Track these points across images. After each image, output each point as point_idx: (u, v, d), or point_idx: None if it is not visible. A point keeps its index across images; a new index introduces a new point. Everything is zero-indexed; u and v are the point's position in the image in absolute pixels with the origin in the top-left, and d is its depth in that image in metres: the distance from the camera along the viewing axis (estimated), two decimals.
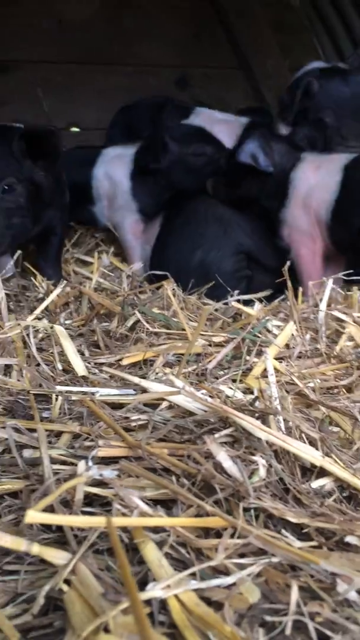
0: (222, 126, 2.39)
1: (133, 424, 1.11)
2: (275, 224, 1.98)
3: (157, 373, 1.35)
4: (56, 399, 1.22)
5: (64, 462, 1.02)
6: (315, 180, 1.90)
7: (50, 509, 0.83)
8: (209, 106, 2.69)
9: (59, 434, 1.13)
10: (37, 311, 1.51)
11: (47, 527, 0.86)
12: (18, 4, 3.01)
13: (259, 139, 1.95)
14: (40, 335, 1.51)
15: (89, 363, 1.41)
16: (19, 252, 1.76)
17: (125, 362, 1.39)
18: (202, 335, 1.51)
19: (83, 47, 3.09)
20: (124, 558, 0.62)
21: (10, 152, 1.74)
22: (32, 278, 1.87)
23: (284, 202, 1.94)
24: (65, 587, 0.72)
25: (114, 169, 2.32)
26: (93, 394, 1.21)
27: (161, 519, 0.73)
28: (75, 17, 3.06)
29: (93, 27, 3.07)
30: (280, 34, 3.12)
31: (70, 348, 1.30)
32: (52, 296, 1.60)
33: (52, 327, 1.34)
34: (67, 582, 0.73)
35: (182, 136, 2.21)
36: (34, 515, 0.70)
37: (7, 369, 1.36)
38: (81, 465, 0.85)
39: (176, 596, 0.67)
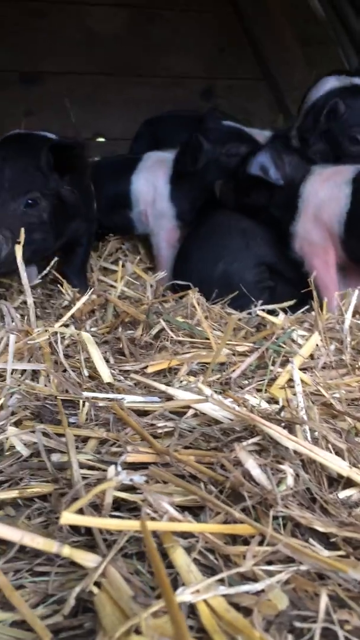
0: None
1: (159, 431, 1.12)
2: (286, 236, 1.99)
3: (181, 381, 1.37)
4: (83, 405, 1.24)
5: (91, 467, 1.03)
6: (325, 193, 1.90)
7: (79, 513, 0.85)
8: (234, 117, 2.71)
9: (85, 439, 1.15)
10: (65, 318, 1.54)
11: (76, 531, 0.87)
12: (48, 16, 3.08)
13: (270, 151, 1.95)
14: (66, 342, 1.53)
15: (114, 370, 1.42)
16: (55, 258, 1.75)
17: (150, 369, 1.41)
18: (226, 344, 1.52)
19: (110, 58, 3.14)
20: (159, 561, 0.63)
21: (38, 165, 1.71)
22: (59, 285, 1.90)
23: (294, 216, 1.95)
24: (95, 590, 0.73)
25: (154, 174, 2.34)
26: (119, 400, 1.22)
27: (192, 525, 0.75)
28: (103, 30, 3.12)
29: (121, 39, 3.12)
30: (306, 46, 3.14)
31: (96, 355, 1.32)
32: (79, 304, 1.63)
33: (79, 334, 1.36)
34: (97, 584, 0.74)
35: (216, 136, 2.22)
36: (69, 517, 0.72)
37: (35, 374, 1.39)
38: (111, 470, 0.87)
39: (205, 601, 0.67)
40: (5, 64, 3.01)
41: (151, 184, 2.34)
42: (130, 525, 0.73)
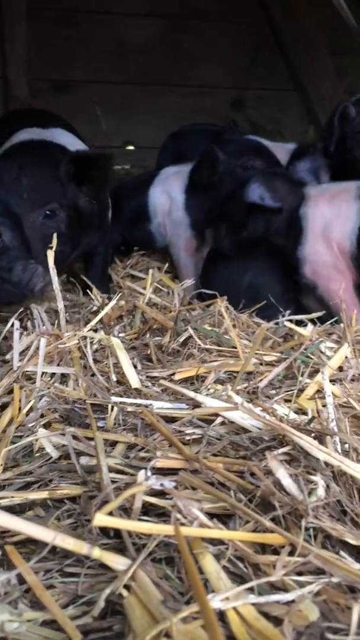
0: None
1: (187, 437, 1.12)
2: (293, 263, 1.93)
3: (208, 389, 1.37)
4: (111, 410, 1.25)
5: (119, 471, 1.04)
6: (332, 212, 1.86)
7: (109, 516, 0.86)
8: (264, 127, 2.73)
9: (113, 444, 1.16)
10: (93, 322, 1.55)
11: (105, 533, 0.88)
12: (80, 26, 3.13)
13: (261, 178, 1.92)
14: (94, 347, 1.55)
15: (141, 376, 1.43)
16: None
17: (177, 376, 1.41)
18: (254, 353, 1.52)
19: (142, 68, 3.18)
20: (193, 566, 0.63)
21: (57, 176, 1.70)
22: (88, 291, 1.92)
23: (299, 240, 1.89)
24: (124, 592, 0.74)
25: (170, 185, 2.38)
26: (147, 406, 1.23)
27: (223, 532, 0.75)
28: (135, 39, 3.16)
29: (152, 49, 3.16)
30: (336, 57, 3.14)
31: (125, 360, 1.33)
32: (107, 308, 1.64)
33: (108, 339, 1.38)
34: (126, 587, 0.75)
35: (232, 149, 2.24)
36: (101, 519, 0.72)
37: (64, 377, 1.41)
38: (141, 474, 0.87)
39: (235, 609, 0.68)
40: (38, 73, 3.06)
41: (167, 195, 2.39)
42: (161, 529, 0.74)
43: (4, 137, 2.02)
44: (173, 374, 1.42)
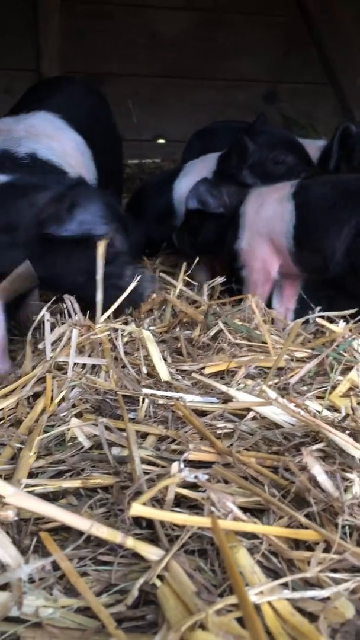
0: None
1: (218, 431, 1.12)
2: (232, 257, 1.99)
3: (238, 383, 1.36)
4: (142, 402, 1.25)
5: (150, 463, 1.05)
6: (268, 211, 1.93)
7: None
8: (296, 121, 2.70)
9: (144, 435, 1.16)
10: (109, 312, 1.53)
11: (137, 524, 0.89)
12: (114, 19, 3.13)
13: (204, 184, 2.01)
14: (125, 339, 1.55)
15: (171, 369, 1.44)
16: None
17: (208, 370, 1.41)
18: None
19: (174, 61, 3.17)
20: (231, 559, 0.63)
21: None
22: None
23: (237, 234, 1.96)
24: (158, 583, 0.74)
25: (197, 173, 2.35)
26: (177, 399, 1.23)
27: (258, 526, 0.75)
28: (168, 33, 3.15)
29: (185, 42, 3.15)
30: None
31: (155, 353, 1.33)
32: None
33: (139, 331, 1.38)
34: (159, 577, 0.75)
35: (264, 141, 2.21)
36: (138, 509, 0.73)
37: (94, 368, 1.42)
38: (174, 466, 0.88)
39: (270, 603, 0.67)
40: (71, 66, 3.08)
41: (192, 182, 2.34)
42: (197, 521, 0.74)
43: None
44: (203, 368, 1.42)
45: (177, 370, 1.45)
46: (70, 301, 1.41)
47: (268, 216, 1.91)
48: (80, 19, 3.10)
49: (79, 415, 1.24)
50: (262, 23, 3.13)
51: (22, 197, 1.50)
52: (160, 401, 1.26)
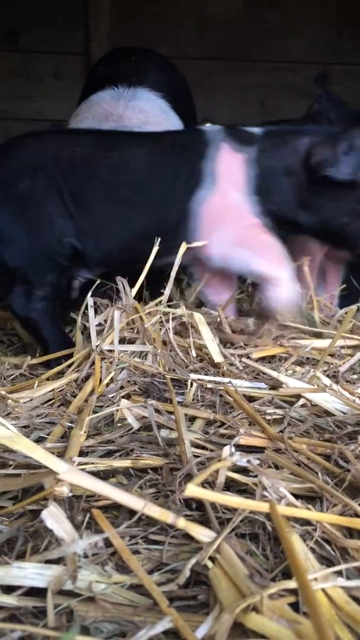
0: None
1: (267, 417, 1.12)
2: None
3: (286, 369, 1.35)
4: (191, 385, 1.25)
5: (198, 446, 1.05)
6: None
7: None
8: (348, 105, 2.62)
9: (192, 419, 1.17)
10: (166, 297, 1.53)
11: (187, 505, 0.89)
12: (162, 2, 3.10)
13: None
14: (173, 323, 1.55)
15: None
16: None
17: (256, 355, 1.40)
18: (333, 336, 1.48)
19: (223, 44, 3.12)
20: (290, 543, 0.63)
21: None
22: None
23: None
24: (209, 564, 0.74)
25: None
26: (226, 384, 1.23)
27: (312, 513, 0.74)
28: (217, 15, 3.09)
29: (234, 24, 3.09)
30: None
31: (207, 335, 1.33)
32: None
33: (191, 314, 1.38)
34: (210, 559, 0.75)
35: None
36: (193, 490, 0.73)
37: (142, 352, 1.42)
38: (226, 450, 0.87)
39: (324, 590, 0.67)
40: None
41: None
42: (253, 505, 0.74)
43: None
44: (252, 352, 1.41)
45: (224, 355, 1.45)
46: (122, 283, 1.41)
47: None
48: (130, 2, 3.08)
49: (127, 397, 1.25)
50: (314, 3, 3.04)
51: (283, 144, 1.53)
52: (209, 385, 1.26)
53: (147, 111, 1.70)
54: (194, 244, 1.47)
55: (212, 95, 3.15)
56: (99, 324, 1.40)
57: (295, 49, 3.11)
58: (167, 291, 1.39)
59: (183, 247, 1.43)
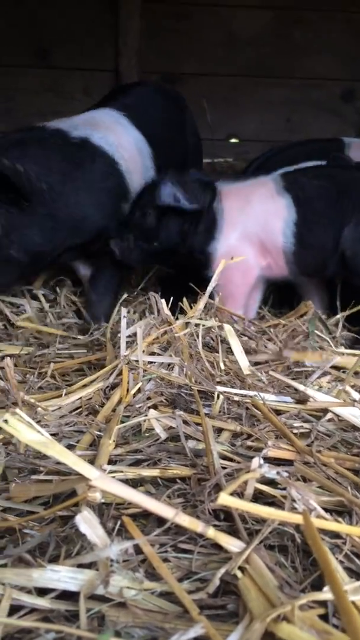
0: None
1: (294, 430, 1.12)
2: (202, 260, 1.79)
3: (312, 383, 1.36)
4: (217, 397, 1.27)
5: (225, 457, 1.06)
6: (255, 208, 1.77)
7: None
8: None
9: (218, 430, 1.18)
10: (199, 311, 1.56)
11: (215, 515, 0.90)
12: (192, 18, 3.15)
13: (172, 179, 1.76)
14: (203, 333, 1.56)
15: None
16: None
17: (280, 367, 1.41)
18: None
19: (250, 60, 3.16)
20: (325, 554, 0.64)
21: None
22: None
23: (213, 235, 1.78)
24: (239, 574, 0.75)
25: None
26: (253, 397, 1.24)
27: (344, 526, 0.75)
28: (244, 31, 3.14)
29: (261, 41, 3.13)
30: None
31: (237, 347, 1.34)
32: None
33: (221, 326, 1.40)
34: (239, 569, 0.76)
35: None
36: (226, 499, 0.74)
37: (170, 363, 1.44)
38: (255, 461, 0.88)
39: (353, 602, 0.67)
40: (150, 66, 3.12)
41: None
42: (285, 516, 0.74)
43: None
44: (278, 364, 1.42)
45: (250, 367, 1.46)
46: (154, 297, 1.44)
47: (258, 213, 1.76)
48: (159, 19, 3.14)
49: (153, 408, 1.27)
50: (341, 20, 3.07)
51: None
52: (235, 398, 1.27)
53: (96, 118, 1.93)
54: (232, 261, 1.50)
55: (237, 111, 3.19)
56: (129, 335, 1.42)
57: (322, 66, 3.14)
58: (201, 305, 1.40)
59: (222, 265, 1.45)
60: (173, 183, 1.76)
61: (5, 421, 0.84)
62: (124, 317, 1.47)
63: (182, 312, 1.58)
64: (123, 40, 3.06)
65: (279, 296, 2.02)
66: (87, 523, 0.76)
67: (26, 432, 0.83)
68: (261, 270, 1.79)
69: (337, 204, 1.72)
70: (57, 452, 0.82)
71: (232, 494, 0.90)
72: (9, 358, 1.27)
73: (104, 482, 0.80)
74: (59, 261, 1.83)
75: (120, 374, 1.35)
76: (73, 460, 0.80)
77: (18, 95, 3.14)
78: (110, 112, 1.98)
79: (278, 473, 0.84)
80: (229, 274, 1.66)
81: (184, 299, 1.60)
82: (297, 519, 0.72)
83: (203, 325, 1.42)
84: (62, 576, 0.75)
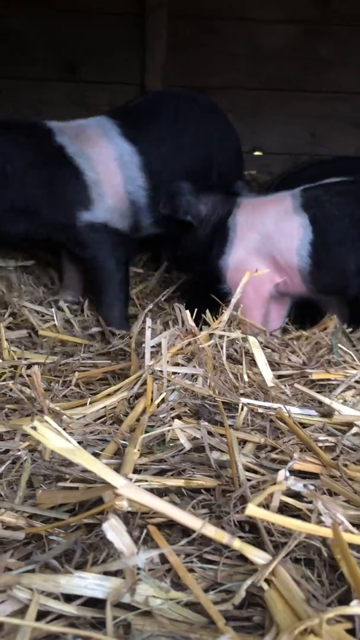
0: None
1: (319, 444, 1.12)
2: (215, 273, 1.81)
3: (336, 397, 1.35)
4: (241, 409, 1.27)
5: (249, 469, 1.06)
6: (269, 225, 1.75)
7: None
8: None
9: (242, 442, 1.18)
10: (223, 323, 1.56)
11: (240, 527, 0.90)
12: (218, 33, 3.19)
13: (184, 189, 1.80)
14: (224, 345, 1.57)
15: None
16: None
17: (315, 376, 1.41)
18: None
19: (275, 74, 3.18)
20: (356, 568, 0.64)
21: None
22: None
23: (224, 249, 1.79)
24: (265, 586, 0.75)
25: None
26: (277, 409, 1.24)
27: None
28: (270, 45, 3.16)
29: (287, 54, 3.14)
30: None
31: (261, 359, 1.35)
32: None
33: (245, 338, 1.40)
34: (265, 581, 0.76)
35: None
36: (254, 510, 0.74)
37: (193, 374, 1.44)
38: (281, 474, 0.89)
39: None
40: (176, 79, 3.16)
41: None
42: (314, 529, 0.74)
43: None
44: (304, 377, 1.42)
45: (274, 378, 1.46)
46: (179, 309, 1.45)
47: (273, 231, 1.74)
48: (186, 33, 3.18)
49: (177, 418, 1.27)
50: None
51: None
52: (259, 410, 1.27)
53: (83, 125, 2.03)
54: (256, 274, 1.51)
55: (262, 124, 3.21)
56: (153, 346, 1.43)
57: (347, 80, 3.14)
58: (226, 316, 1.41)
59: (247, 276, 1.46)
60: (180, 194, 1.80)
61: (34, 428, 0.86)
62: (149, 327, 1.48)
63: (205, 323, 1.59)
64: (149, 55, 3.11)
65: (301, 310, 2.01)
66: (115, 531, 0.76)
67: (54, 439, 0.84)
68: (277, 286, 1.77)
69: None
70: (85, 459, 0.83)
71: (258, 506, 0.91)
72: (36, 366, 1.29)
73: (131, 491, 0.81)
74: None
75: (144, 383, 1.36)
76: (100, 469, 0.81)
77: (45, 108, 3.19)
78: (103, 121, 2.05)
79: (305, 486, 0.84)
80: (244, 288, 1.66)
81: (207, 311, 1.62)
82: (327, 532, 0.72)
83: (227, 337, 1.42)
84: (89, 583, 0.75)
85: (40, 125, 1.97)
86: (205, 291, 1.83)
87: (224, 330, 1.52)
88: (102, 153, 1.95)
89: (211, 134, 2.36)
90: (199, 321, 1.61)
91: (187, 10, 3.09)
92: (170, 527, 0.94)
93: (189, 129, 2.24)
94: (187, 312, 1.45)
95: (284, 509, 0.93)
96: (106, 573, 0.78)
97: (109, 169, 1.94)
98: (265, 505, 0.90)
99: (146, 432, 1.21)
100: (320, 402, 1.31)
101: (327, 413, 1.26)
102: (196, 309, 1.57)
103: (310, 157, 3.16)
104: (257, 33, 3.17)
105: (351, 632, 0.68)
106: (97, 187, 1.91)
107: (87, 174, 1.90)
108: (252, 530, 0.90)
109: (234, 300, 1.50)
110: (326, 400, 1.19)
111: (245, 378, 1.37)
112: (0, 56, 3.16)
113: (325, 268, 1.71)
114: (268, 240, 1.75)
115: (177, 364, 1.41)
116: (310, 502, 0.89)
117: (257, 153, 3.21)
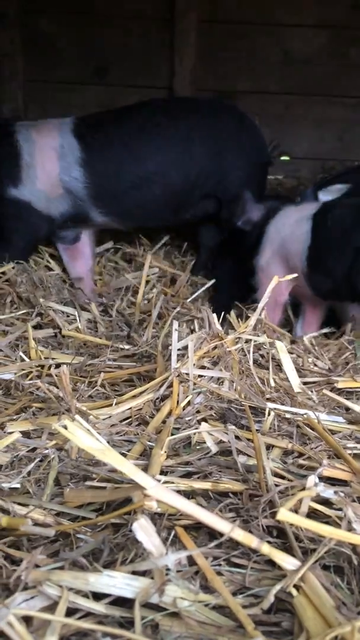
0: None
1: (348, 451, 1.11)
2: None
3: None
4: (268, 414, 1.26)
5: (277, 474, 1.05)
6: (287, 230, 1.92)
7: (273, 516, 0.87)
8: None
9: (268, 447, 1.17)
10: (250, 326, 1.56)
11: (268, 532, 0.90)
12: (248, 38, 3.19)
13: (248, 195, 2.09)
14: (250, 349, 1.56)
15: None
16: None
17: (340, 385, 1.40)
18: None
19: (305, 79, 3.17)
20: None
21: None
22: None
23: (257, 250, 1.99)
24: (294, 592, 0.75)
25: None
26: (304, 415, 1.23)
27: None
28: (301, 51, 3.15)
29: (317, 60, 3.14)
30: None
31: (288, 364, 1.34)
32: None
33: (273, 342, 1.40)
34: (294, 587, 0.76)
35: None
36: (286, 515, 0.74)
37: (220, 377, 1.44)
38: (310, 480, 0.88)
39: None
40: (203, 83, 3.17)
41: None
42: (346, 536, 0.74)
43: None
44: (331, 383, 1.41)
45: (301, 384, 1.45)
46: (206, 311, 1.45)
47: (288, 235, 1.90)
48: (215, 38, 3.18)
49: (203, 421, 1.27)
50: None
51: None
52: (286, 415, 1.26)
53: (53, 120, 2.27)
54: (286, 278, 1.53)
55: (291, 129, 3.20)
56: (179, 349, 1.43)
57: None
58: (253, 320, 1.41)
59: (274, 280, 1.46)
60: (242, 200, 2.08)
61: (64, 427, 0.86)
62: (176, 330, 1.48)
63: (230, 325, 1.60)
64: (178, 59, 3.12)
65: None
66: (144, 531, 0.77)
67: (84, 438, 0.85)
68: (293, 289, 1.91)
69: (354, 233, 1.75)
70: (114, 459, 0.83)
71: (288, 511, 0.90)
72: (65, 366, 1.30)
73: (160, 492, 0.81)
74: None
75: (170, 386, 1.37)
76: (129, 469, 0.82)
77: (74, 111, 3.22)
78: (69, 119, 2.27)
79: (335, 492, 0.83)
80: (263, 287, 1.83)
81: (232, 313, 1.64)
82: (359, 539, 0.72)
83: (254, 341, 1.42)
84: (117, 582, 0.76)
85: (12, 118, 2.34)
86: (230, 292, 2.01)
87: (250, 335, 1.51)
88: (47, 142, 2.18)
89: (174, 147, 2.30)
90: (224, 323, 1.61)
91: (216, 14, 3.10)
92: (197, 530, 0.94)
93: (149, 138, 2.28)
94: (214, 315, 1.45)
95: (312, 516, 0.93)
96: (135, 573, 0.78)
97: (46, 156, 2.17)
98: (294, 511, 0.90)
99: (172, 434, 1.21)
100: (347, 409, 1.30)
101: (355, 420, 1.25)
102: (223, 312, 1.61)
103: (338, 163, 3.16)
104: (286, 38, 3.16)
105: None
106: (29, 169, 2.17)
107: (24, 157, 2.16)
108: (279, 536, 0.89)
109: (261, 305, 1.50)
110: (355, 407, 1.18)
111: (272, 383, 1.36)
112: (31, 59, 3.21)
113: (317, 272, 1.83)
114: (285, 244, 1.92)
115: (204, 367, 1.41)
116: (340, 510, 0.88)
117: (284, 158, 3.20)
